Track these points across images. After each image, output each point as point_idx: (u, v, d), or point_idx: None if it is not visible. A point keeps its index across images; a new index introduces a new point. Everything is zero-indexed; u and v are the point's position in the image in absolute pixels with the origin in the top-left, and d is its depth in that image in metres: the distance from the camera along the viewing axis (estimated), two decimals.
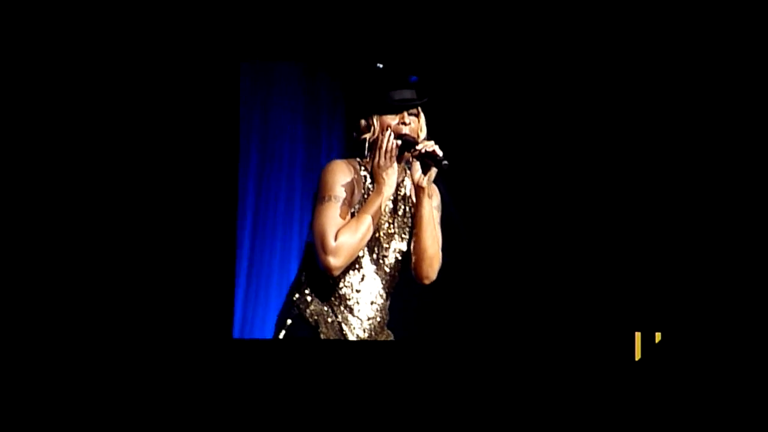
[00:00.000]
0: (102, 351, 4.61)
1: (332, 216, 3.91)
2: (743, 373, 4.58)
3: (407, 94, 4.03)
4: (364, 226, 3.96)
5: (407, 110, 4.03)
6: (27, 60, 4.76)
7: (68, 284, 4.70)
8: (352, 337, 4.02)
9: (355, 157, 4.12)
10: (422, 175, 4.03)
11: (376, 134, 4.04)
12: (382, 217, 4.08)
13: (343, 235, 3.92)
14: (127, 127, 4.84)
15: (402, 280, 4.26)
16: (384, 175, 4.00)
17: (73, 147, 4.79)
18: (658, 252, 4.86)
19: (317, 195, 4.00)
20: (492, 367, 4.56)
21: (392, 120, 4.03)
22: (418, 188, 4.04)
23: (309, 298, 4.03)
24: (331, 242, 3.89)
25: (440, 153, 3.99)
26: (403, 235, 4.14)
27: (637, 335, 4.71)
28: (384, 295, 4.11)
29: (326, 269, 3.91)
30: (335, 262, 3.90)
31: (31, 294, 4.64)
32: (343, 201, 3.96)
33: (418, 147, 3.99)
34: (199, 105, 4.82)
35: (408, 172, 4.14)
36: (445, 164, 3.96)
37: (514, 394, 4.51)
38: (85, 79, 4.81)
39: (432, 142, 4.01)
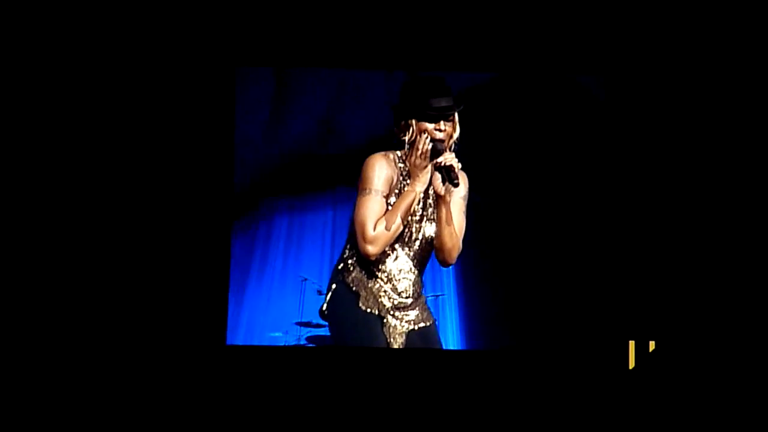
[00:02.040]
0: (91, 355, 4.58)
1: (371, 208, 4.45)
2: (737, 381, 4.60)
3: (444, 102, 4.48)
4: (399, 218, 4.47)
5: (444, 119, 4.49)
6: (23, 60, 4.75)
7: (60, 288, 4.68)
8: (387, 304, 4.52)
9: (395, 150, 4.59)
10: (441, 185, 4.49)
11: (413, 136, 4.51)
12: (415, 206, 4.56)
13: (381, 226, 4.46)
14: (121, 130, 4.84)
15: None
16: (419, 173, 4.50)
17: (65, 149, 4.78)
18: (652, 261, 4.87)
19: (359, 186, 4.52)
20: (486, 372, 4.58)
21: (428, 125, 4.49)
22: (437, 195, 4.52)
23: (351, 268, 4.55)
24: (370, 232, 4.44)
25: (457, 167, 4.45)
26: (431, 221, 4.58)
27: (631, 344, 4.73)
28: (416, 271, 4.59)
29: (365, 255, 4.47)
30: (373, 249, 4.46)
31: (21, 295, 4.62)
32: (382, 194, 4.48)
33: (439, 159, 4.47)
34: (196, 108, 4.84)
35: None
36: (456, 183, 4.43)
37: (507, 398, 4.53)
38: (80, 82, 4.80)
39: (452, 156, 4.46)
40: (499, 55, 4.99)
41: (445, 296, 5.41)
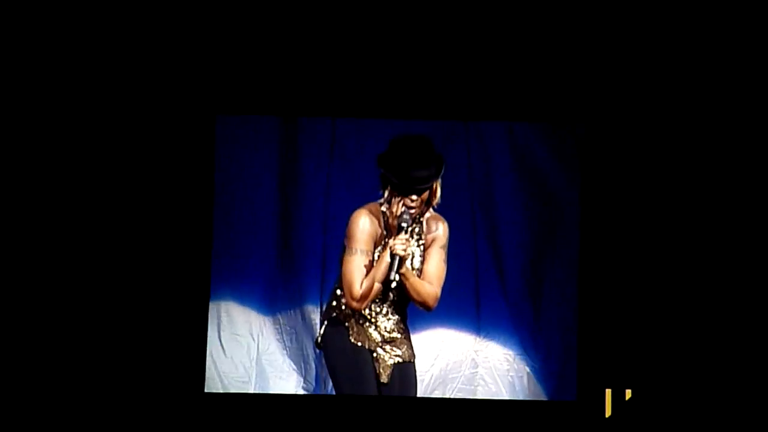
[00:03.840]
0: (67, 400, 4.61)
1: (357, 267, 4.73)
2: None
3: (424, 172, 4.65)
4: (382, 273, 4.71)
5: (416, 193, 4.65)
6: None
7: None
8: (377, 339, 4.80)
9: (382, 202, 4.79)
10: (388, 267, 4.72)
11: (389, 197, 4.72)
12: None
13: (366, 282, 4.72)
14: (102, 177, 4.85)
15: None
16: (395, 231, 4.69)
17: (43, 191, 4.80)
18: (629, 309, 4.88)
19: (345, 243, 4.77)
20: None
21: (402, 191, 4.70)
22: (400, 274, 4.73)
23: (343, 307, 4.83)
24: (357, 290, 4.73)
25: (400, 258, 4.64)
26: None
27: (608, 392, 4.75)
28: (399, 311, 4.85)
29: (352, 309, 4.76)
30: (358, 305, 4.75)
31: None
32: (366, 253, 4.74)
33: (390, 243, 4.67)
34: (175, 157, 4.85)
35: (424, 223, 4.81)
36: (391, 280, 4.67)
37: None
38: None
39: (401, 242, 4.64)
40: (480, 103, 5.01)
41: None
